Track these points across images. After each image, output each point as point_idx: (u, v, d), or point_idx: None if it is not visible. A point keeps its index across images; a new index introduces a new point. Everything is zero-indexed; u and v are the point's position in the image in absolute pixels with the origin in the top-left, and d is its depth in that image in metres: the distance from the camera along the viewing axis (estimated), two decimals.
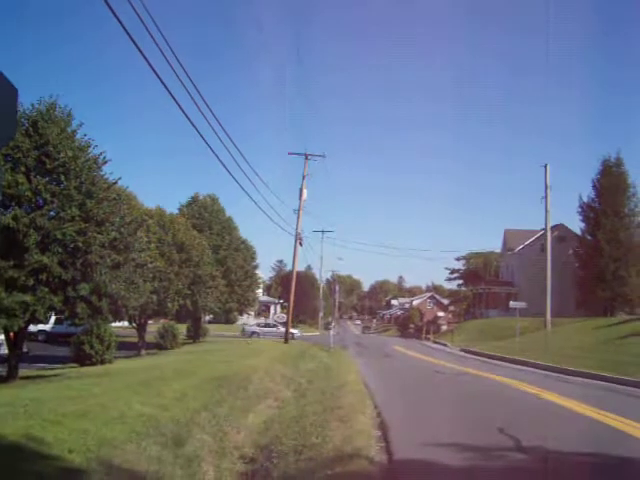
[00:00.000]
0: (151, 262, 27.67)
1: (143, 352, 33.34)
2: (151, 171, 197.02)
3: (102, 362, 23.20)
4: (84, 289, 18.97)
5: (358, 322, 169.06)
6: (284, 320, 56.83)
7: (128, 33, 10.61)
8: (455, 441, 9.44)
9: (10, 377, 19.38)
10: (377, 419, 11.80)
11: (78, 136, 20.53)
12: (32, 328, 34.81)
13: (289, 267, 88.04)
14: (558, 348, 32.20)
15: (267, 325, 60.47)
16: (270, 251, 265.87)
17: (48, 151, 19.06)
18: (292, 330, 60.57)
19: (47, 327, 38.21)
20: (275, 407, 14.74)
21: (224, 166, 20.03)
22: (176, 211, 57.54)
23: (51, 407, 9.56)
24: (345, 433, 9.71)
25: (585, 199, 59.90)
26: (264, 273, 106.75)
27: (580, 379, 21.88)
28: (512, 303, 43.58)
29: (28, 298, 17.65)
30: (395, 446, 9.15)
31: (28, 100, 20.09)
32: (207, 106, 16.16)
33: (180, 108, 14.06)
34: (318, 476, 7.23)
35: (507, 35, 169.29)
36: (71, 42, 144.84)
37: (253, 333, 55.06)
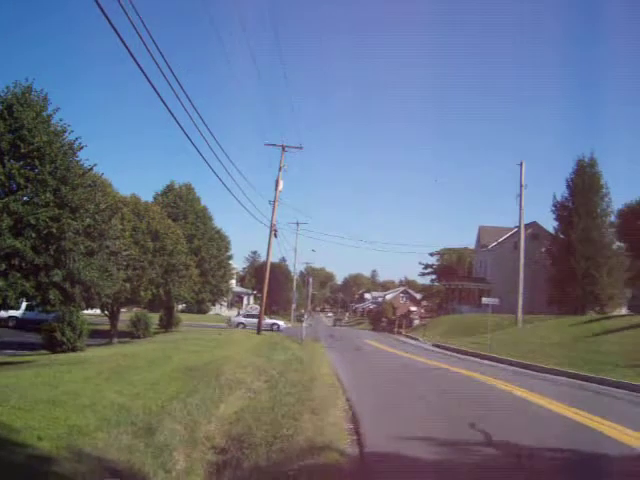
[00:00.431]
0: (125, 250, 27.49)
1: (115, 340, 33.15)
2: (126, 158, 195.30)
3: (73, 350, 23.02)
4: (57, 275, 18.82)
5: (330, 315, 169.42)
6: (257, 311, 56.71)
7: (107, 17, 10.48)
8: (426, 435, 9.53)
9: None
10: (349, 412, 11.87)
11: (54, 121, 20.34)
12: (2, 314, 34.68)
13: (263, 258, 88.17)
14: (529, 345, 32.56)
15: (253, 316, 60.30)
16: (244, 242, 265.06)
17: (23, 135, 18.86)
18: (278, 322, 60.83)
19: (18, 313, 37.90)
20: (247, 398, 14.74)
21: (200, 153, 19.85)
22: (151, 199, 57.28)
23: (21, 394, 9.48)
24: (317, 425, 9.76)
25: (559, 198, 60.62)
26: (238, 264, 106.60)
27: (551, 376, 22.15)
28: (484, 299, 43.78)
29: (0, 283, 17.48)
30: (366, 439, 9.21)
31: (2, 83, 19.88)
32: (185, 94, 15.99)
33: (158, 95, 13.92)
34: (289, 467, 7.25)
35: (485, 31, 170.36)
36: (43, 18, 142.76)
37: (239, 324, 54.67)
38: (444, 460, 8.22)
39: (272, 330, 53.18)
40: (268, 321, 56.99)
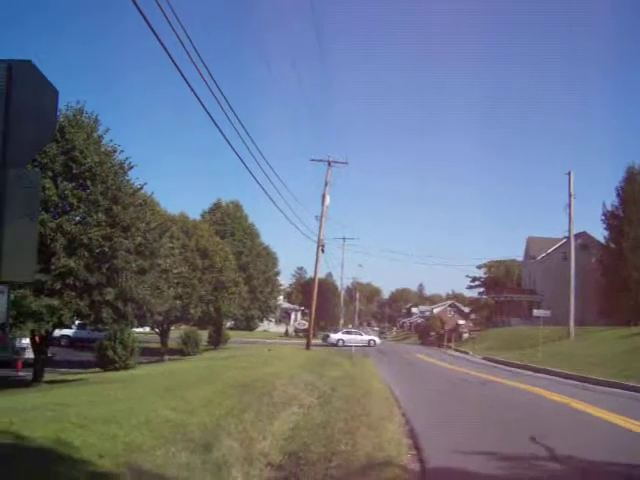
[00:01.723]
0: (175, 268, 27.73)
1: (166, 358, 33.42)
2: (173, 176, 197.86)
3: (125, 367, 23.26)
4: (110, 294, 19.07)
5: (376, 329, 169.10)
6: (305, 327, 56.79)
7: (157, 36, 10.60)
8: (486, 449, 9.30)
9: (35, 381, 19.52)
10: (406, 427, 11.67)
11: (104, 142, 20.70)
12: (55, 333, 35.26)
13: (309, 274, 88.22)
14: (584, 357, 31.81)
15: (351, 333, 62.44)
16: (291, 258, 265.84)
17: (74, 156, 19.21)
18: (374, 338, 62.61)
19: (70, 332, 38.52)
20: (300, 414, 14.62)
21: (249, 171, 20.07)
22: (199, 217, 57.81)
23: (78, 411, 9.53)
24: (374, 440, 9.58)
25: (609, 207, 59.45)
26: (285, 280, 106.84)
27: (606, 388, 21.56)
28: (536, 311, 43.13)
29: (55, 302, 17.77)
30: (427, 454, 9.03)
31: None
32: (231, 109, 16.13)
33: (206, 110, 14.05)
34: None
35: (531, 42, 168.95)
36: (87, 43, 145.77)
37: (339, 340, 57.17)
38: (507, 474, 8.01)
39: (369, 346, 55.91)
40: (365, 337, 59.30)
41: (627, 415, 13.71)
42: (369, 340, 59.45)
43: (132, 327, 24.36)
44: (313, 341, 45.78)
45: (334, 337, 57.64)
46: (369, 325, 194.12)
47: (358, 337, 58.67)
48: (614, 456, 9.41)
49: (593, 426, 12.68)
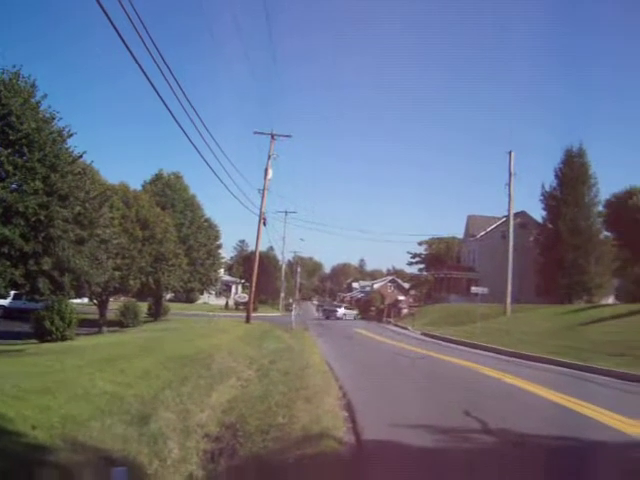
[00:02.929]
0: (115, 238, 27.28)
1: (105, 330, 33.01)
2: (114, 145, 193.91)
3: (63, 339, 22.89)
4: (46, 263, 18.69)
5: (315, 302, 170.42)
6: (245, 300, 56.71)
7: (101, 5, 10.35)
8: (421, 423, 9.53)
9: None
10: (343, 400, 11.85)
11: (42, 108, 20.14)
12: None
13: (251, 247, 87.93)
14: (519, 334, 32.66)
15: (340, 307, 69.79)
16: (233, 231, 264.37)
17: (11, 122, 18.64)
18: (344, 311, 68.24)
19: (5, 302, 37.71)
20: (239, 386, 14.70)
21: (190, 140, 19.78)
22: (140, 188, 56.87)
23: (13, 383, 9.39)
24: (312, 413, 9.70)
25: (547, 188, 61.00)
26: (226, 253, 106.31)
27: (540, 364, 22.20)
28: (473, 288, 43.91)
29: None
30: (363, 427, 9.20)
31: None
32: (175, 81, 15.88)
33: (149, 80, 13.80)
34: (287, 456, 7.21)
35: (475, 22, 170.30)
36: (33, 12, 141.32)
37: (344, 315, 70.10)
38: (441, 447, 8.23)
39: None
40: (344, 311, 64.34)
41: (556, 389, 14.20)
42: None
43: (70, 298, 23.94)
44: (254, 314, 45.86)
45: (340, 312, 61.94)
46: (310, 299, 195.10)
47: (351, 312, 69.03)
48: (544, 428, 9.77)
49: (524, 400, 13.08)
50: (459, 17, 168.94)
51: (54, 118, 20.21)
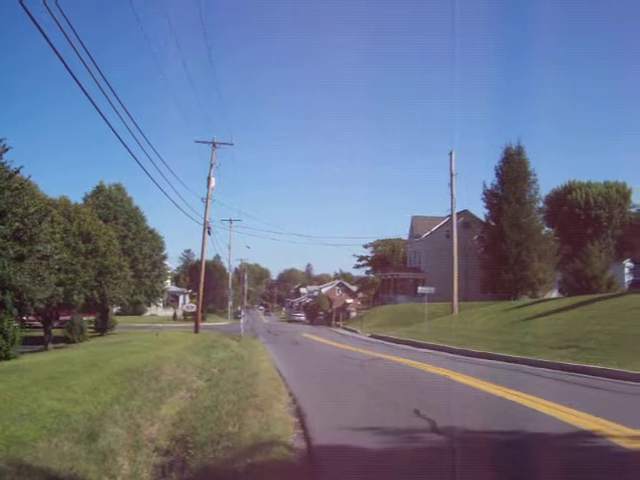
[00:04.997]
0: (57, 253, 26.80)
1: (50, 346, 32.38)
2: (54, 160, 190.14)
3: (7, 358, 22.35)
4: None
5: (262, 308, 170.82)
6: (193, 310, 56.18)
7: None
8: (372, 425, 9.64)
9: None
10: (293, 406, 11.90)
11: None
12: None
13: (197, 257, 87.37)
14: (466, 331, 33.25)
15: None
16: (179, 241, 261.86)
17: None
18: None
19: None
20: (188, 398, 14.63)
21: (129, 151, 19.64)
22: (81, 201, 56.01)
23: None
24: (262, 421, 9.73)
25: (489, 186, 62.19)
26: (172, 263, 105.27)
27: (487, 360, 22.67)
28: (420, 289, 44.52)
29: None
30: (313, 432, 9.25)
31: None
32: (112, 90, 15.75)
33: (84, 91, 13.66)
34: (237, 465, 7.23)
35: (414, 28, 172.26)
36: None
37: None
38: (391, 448, 8.34)
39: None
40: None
41: (502, 384, 14.58)
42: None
43: (12, 316, 23.45)
44: (202, 324, 45.55)
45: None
46: (259, 307, 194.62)
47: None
48: (491, 424, 10.01)
49: (471, 397, 13.34)
50: (393, 11, 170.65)
51: None
